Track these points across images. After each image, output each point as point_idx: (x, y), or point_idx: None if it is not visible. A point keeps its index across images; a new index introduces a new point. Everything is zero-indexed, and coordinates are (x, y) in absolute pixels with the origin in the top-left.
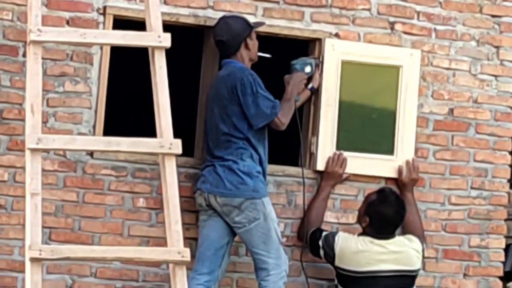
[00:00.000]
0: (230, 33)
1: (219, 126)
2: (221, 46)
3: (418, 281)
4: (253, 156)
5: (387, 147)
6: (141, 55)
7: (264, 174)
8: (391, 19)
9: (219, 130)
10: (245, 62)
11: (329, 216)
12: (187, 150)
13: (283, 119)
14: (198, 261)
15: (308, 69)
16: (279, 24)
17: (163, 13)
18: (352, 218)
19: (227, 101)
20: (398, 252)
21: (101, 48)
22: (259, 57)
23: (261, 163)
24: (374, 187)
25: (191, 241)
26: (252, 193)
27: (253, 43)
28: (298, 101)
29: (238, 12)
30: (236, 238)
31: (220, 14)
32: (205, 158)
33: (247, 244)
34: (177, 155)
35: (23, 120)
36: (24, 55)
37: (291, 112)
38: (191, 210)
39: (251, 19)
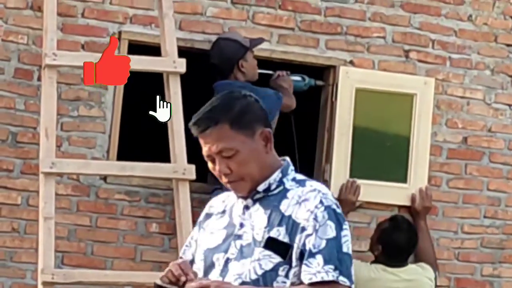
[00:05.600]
0: (222, 56)
1: None
2: (214, 69)
3: None
4: None
5: (400, 175)
6: (155, 80)
7: None
8: (406, 47)
9: None
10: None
11: None
12: (201, 176)
13: (288, 101)
14: None
15: (295, 77)
16: (293, 51)
17: (178, 39)
18: (364, 245)
19: None
20: (411, 280)
21: None
22: (264, 75)
23: None
24: (387, 214)
25: None
26: None
27: (249, 64)
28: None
29: None
30: None
31: None
32: (214, 182)
33: None
34: (190, 181)
35: (37, 143)
36: (39, 79)
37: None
38: None
39: (265, 44)
